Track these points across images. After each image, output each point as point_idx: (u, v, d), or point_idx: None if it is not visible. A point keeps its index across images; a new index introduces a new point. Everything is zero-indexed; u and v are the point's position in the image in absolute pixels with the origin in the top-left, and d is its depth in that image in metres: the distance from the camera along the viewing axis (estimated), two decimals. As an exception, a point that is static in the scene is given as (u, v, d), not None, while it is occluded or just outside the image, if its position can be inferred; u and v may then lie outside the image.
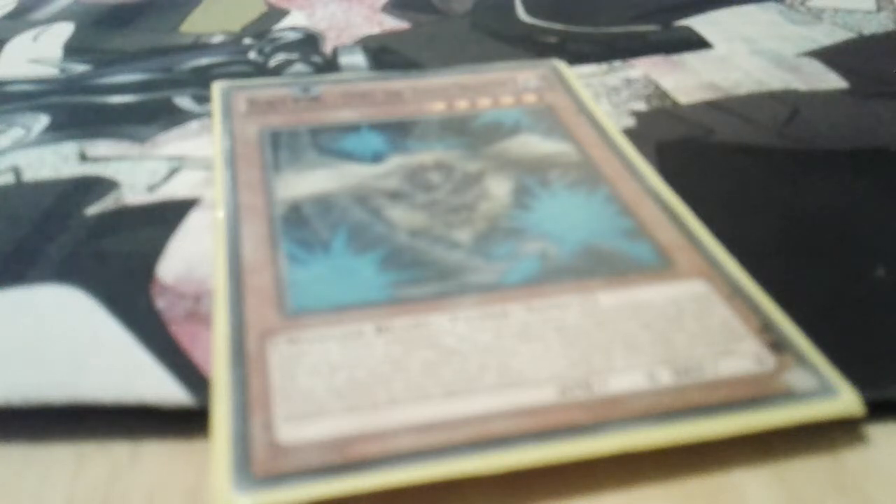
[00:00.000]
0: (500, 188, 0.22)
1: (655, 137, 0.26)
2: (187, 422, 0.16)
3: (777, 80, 0.29)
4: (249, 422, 0.15)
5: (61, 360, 0.17)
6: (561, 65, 0.29)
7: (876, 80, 0.29)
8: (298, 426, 0.15)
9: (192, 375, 0.17)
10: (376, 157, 0.23)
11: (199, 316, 0.18)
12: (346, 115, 0.26)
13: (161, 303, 0.19)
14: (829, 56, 0.31)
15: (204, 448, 0.16)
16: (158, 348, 0.17)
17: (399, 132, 0.25)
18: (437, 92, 0.27)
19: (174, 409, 0.16)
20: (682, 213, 0.21)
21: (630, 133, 0.26)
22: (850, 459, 0.16)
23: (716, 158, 0.25)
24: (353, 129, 0.25)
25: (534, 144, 0.24)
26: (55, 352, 0.17)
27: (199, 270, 0.20)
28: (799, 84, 0.29)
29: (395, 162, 0.23)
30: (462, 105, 0.26)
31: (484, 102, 0.26)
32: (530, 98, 0.27)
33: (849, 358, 0.17)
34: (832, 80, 0.29)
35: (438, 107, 0.26)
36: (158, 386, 0.16)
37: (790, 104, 0.27)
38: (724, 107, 0.27)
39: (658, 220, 0.21)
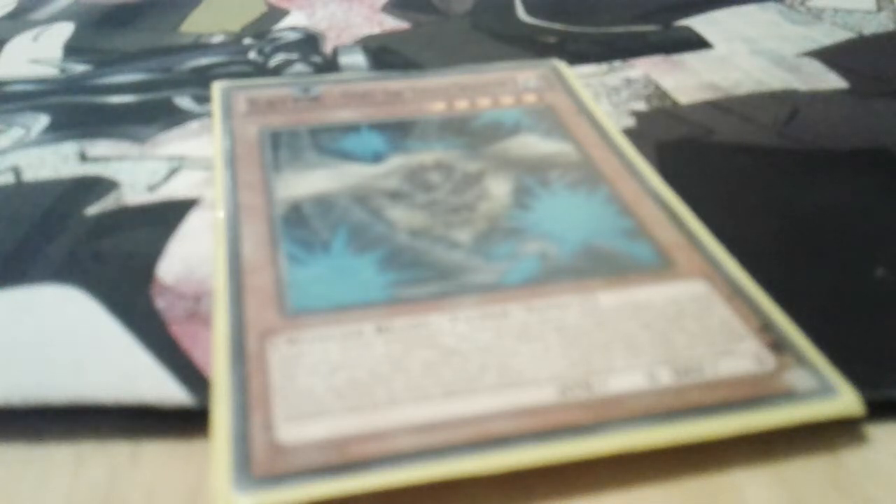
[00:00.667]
0: (500, 188, 0.22)
1: (655, 137, 0.26)
2: (187, 422, 0.16)
3: (777, 80, 0.29)
4: (249, 422, 0.15)
5: (61, 360, 0.17)
6: (561, 65, 0.29)
7: (876, 80, 0.29)
8: (298, 426, 0.15)
9: (192, 375, 0.17)
10: (376, 157, 0.23)
11: (199, 316, 0.18)
12: (346, 115, 0.26)
13: (161, 303, 0.19)
14: (829, 56, 0.31)
15: (204, 448, 0.16)
16: (158, 348, 0.17)
17: (399, 132, 0.25)
18: (437, 92, 0.27)
19: (174, 409, 0.16)
20: (682, 213, 0.21)
21: (630, 133, 0.26)
22: (850, 459, 0.16)
23: (716, 158, 0.25)
24: (353, 129, 0.25)
25: (534, 144, 0.24)
26: (55, 352, 0.17)
27: (199, 270, 0.20)
28: (799, 84, 0.29)
29: (395, 162, 0.23)
30: (462, 105, 0.26)
31: (484, 102, 0.26)
32: (530, 98, 0.27)
33: (849, 358, 0.17)
34: (832, 80, 0.29)
35: (438, 107, 0.26)
36: (158, 386, 0.16)
37: (790, 104, 0.27)
38: (724, 107, 0.27)
39: (658, 220, 0.21)
